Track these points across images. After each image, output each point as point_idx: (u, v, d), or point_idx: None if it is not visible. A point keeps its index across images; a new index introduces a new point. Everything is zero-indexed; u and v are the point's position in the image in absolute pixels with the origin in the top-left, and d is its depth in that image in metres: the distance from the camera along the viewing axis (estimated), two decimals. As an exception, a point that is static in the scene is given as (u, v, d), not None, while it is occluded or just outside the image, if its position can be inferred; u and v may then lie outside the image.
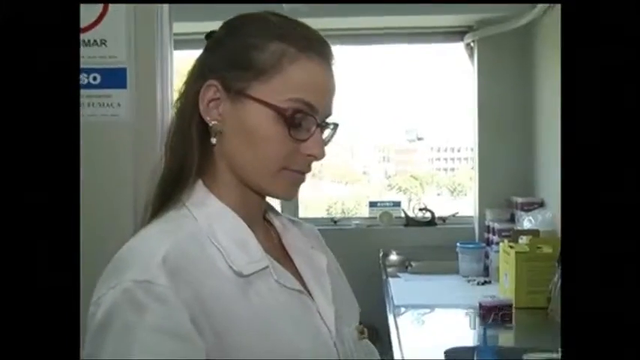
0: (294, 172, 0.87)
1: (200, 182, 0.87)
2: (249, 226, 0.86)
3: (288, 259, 0.92)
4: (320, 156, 0.87)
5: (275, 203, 1.01)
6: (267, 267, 0.84)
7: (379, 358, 1.06)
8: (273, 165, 0.85)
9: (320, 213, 3.47)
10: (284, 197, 0.90)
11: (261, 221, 0.94)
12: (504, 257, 2.45)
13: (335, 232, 3.12)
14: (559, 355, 1.40)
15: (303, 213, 3.22)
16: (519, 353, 1.65)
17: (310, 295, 0.89)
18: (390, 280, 2.76)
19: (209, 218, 0.84)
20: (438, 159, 4.13)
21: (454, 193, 4.03)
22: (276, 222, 0.97)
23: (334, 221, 3.21)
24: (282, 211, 1.02)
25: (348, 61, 3.28)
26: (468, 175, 3.22)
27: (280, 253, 0.92)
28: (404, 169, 4.13)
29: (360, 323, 0.98)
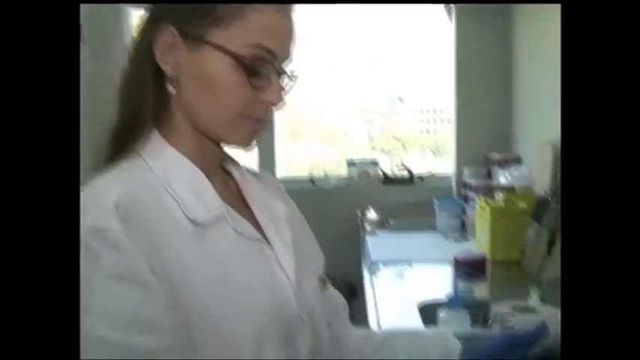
0: (253, 120, 0.85)
1: (156, 132, 0.85)
2: (206, 176, 0.85)
3: (247, 209, 0.91)
4: (279, 103, 0.85)
5: (253, 164, 1.00)
6: (223, 215, 0.83)
7: (346, 307, 1.07)
8: (231, 113, 0.83)
9: (300, 174, 3.46)
10: (242, 145, 0.88)
11: (219, 171, 0.92)
12: (480, 213, 2.46)
13: (313, 192, 3.13)
14: (527, 303, 1.42)
15: (281, 173, 3.22)
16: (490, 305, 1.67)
17: (269, 244, 0.88)
18: (368, 237, 2.77)
19: (165, 168, 0.82)
20: (421, 121, 4.13)
21: (436, 154, 4.04)
22: (235, 172, 0.95)
23: (313, 181, 3.21)
24: (259, 170, 1.02)
25: (330, 23, 3.24)
26: (450, 136, 3.22)
27: (239, 203, 0.91)
28: (386, 131, 4.12)
29: (336, 280, 0.97)
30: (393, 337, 1.02)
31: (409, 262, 2.35)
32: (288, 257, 0.88)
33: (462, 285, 1.95)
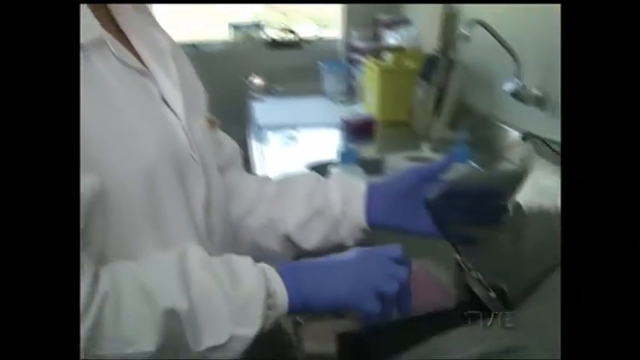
0: None
1: None
2: None
3: (125, 40, 0.78)
4: None
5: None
6: (102, 38, 0.70)
7: (239, 151, 1.02)
8: None
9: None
10: None
11: None
12: (369, 75, 2.40)
13: (195, 57, 2.93)
14: (421, 153, 1.39)
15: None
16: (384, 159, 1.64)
17: (154, 79, 0.77)
18: (254, 103, 2.67)
19: None
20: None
21: (322, 27, 3.93)
22: None
23: (195, 46, 3.01)
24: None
25: None
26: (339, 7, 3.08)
27: (114, 31, 0.77)
28: (273, 6, 3.94)
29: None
30: (291, 181, 0.96)
31: (297, 126, 2.28)
32: (175, 94, 0.78)
33: (352, 147, 1.91)
